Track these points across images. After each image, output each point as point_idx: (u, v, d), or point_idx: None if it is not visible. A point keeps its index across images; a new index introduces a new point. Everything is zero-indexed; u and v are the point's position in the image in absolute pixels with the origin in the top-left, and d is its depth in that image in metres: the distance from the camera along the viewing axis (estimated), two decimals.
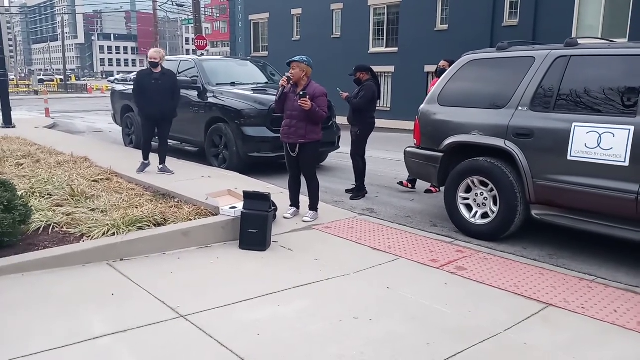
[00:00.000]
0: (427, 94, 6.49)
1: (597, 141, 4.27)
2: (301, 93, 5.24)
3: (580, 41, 4.78)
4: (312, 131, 5.46)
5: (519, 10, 15.28)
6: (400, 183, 7.42)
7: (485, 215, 5.17)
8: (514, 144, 4.79)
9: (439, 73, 7.08)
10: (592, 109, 4.41)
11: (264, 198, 4.73)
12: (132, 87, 10.42)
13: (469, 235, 5.22)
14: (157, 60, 7.12)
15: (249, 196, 4.76)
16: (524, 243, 5.10)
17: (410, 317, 3.39)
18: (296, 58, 5.37)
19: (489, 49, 5.49)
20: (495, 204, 5.04)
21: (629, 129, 4.11)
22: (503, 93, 4.98)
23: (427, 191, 7.21)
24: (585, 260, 4.67)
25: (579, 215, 4.51)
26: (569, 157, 4.42)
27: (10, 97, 14.50)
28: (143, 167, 7.20)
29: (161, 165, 7.33)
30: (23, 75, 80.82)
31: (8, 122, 13.77)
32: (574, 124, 4.40)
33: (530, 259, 4.61)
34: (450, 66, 6.85)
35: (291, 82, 5.39)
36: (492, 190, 5.04)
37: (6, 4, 64.92)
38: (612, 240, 4.50)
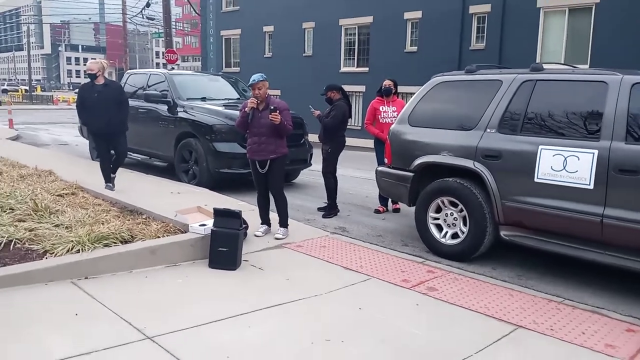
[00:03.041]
0: (366, 114, 6.68)
1: (562, 164, 4.38)
2: (272, 108, 5.26)
3: (546, 66, 4.93)
4: (281, 145, 5.51)
5: (485, 34, 15.72)
6: (377, 212, 7.30)
7: (455, 236, 5.22)
8: (483, 165, 4.88)
9: (384, 92, 7.21)
10: (558, 132, 4.53)
11: (235, 216, 4.66)
12: None
13: (439, 256, 5.26)
14: (94, 72, 6.79)
15: (219, 213, 4.68)
16: (493, 263, 5.16)
17: (382, 339, 3.37)
18: (259, 77, 5.31)
19: (458, 71, 5.61)
20: (465, 224, 5.10)
21: (593, 153, 4.24)
22: (472, 115, 5.08)
23: (395, 210, 7.26)
24: (553, 281, 4.75)
25: (546, 236, 4.60)
26: (535, 179, 4.52)
27: None
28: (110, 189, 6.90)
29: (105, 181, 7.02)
30: None
31: None
32: (540, 146, 4.51)
33: (500, 279, 4.66)
34: (394, 85, 7.04)
35: (259, 102, 5.37)
36: (461, 210, 5.10)
37: None
38: (579, 261, 4.60)
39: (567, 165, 4.36)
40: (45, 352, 2.97)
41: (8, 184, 6.47)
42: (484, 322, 3.71)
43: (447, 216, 5.26)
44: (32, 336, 3.15)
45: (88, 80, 7.01)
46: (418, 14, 17.25)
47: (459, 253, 5.13)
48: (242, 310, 3.70)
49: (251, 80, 5.34)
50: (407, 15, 17.51)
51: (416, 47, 17.42)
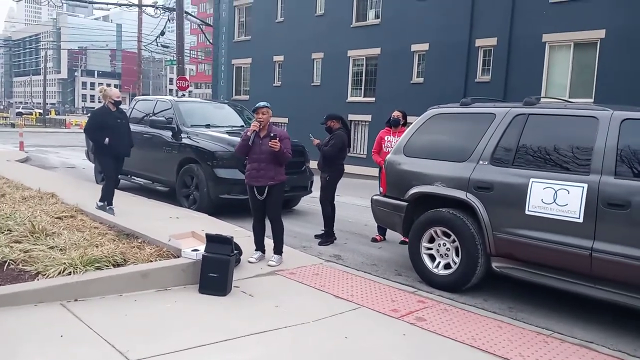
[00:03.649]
0: (374, 144, 6.73)
1: (553, 197, 4.39)
2: (272, 135, 5.36)
3: (542, 100, 4.99)
4: (280, 172, 5.59)
5: (491, 67, 15.89)
6: (374, 239, 7.33)
7: (447, 266, 5.21)
8: (475, 196, 4.90)
9: (392, 123, 7.29)
10: (549, 165, 4.56)
11: (226, 241, 4.70)
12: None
13: (431, 286, 5.24)
14: (120, 99, 7.26)
15: (211, 239, 4.73)
16: (485, 295, 5.14)
17: None
18: (264, 104, 5.51)
19: (453, 103, 5.69)
20: (457, 255, 5.09)
21: (583, 187, 4.25)
22: (465, 147, 5.13)
23: (402, 242, 7.20)
24: (544, 314, 4.71)
25: (537, 269, 4.58)
26: (526, 212, 4.53)
27: None
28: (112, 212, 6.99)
29: (107, 204, 7.11)
30: (1, 107, 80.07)
31: None
32: (531, 179, 4.53)
33: (490, 311, 4.64)
34: (403, 117, 7.11)
35: (261, 127, 5.49)
36: (454, 241, 5.11)
37: None
38: (571, 294, 4.56)
39: (557, 198, 4.37)
40: None
41: (9, 205, 6.58)
42: (469, 353, 3.68)
43: (439, 246, 5.27)
44: (17, 356, 3.18)
45: (102, 105, 7.28)
46: (425, 46, 17.50)
47: (451, 284, 5.11)
48: (227, 336, 3.71)
49: (256, 105, 5.51)
50: (414, 47, 17.77)
51: (422, 79, 17.61)
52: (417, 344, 3.81)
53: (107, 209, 7.02)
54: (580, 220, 4.24)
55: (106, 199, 7.15)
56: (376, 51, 18.90)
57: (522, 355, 3.66)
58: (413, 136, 5.66)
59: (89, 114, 7.49)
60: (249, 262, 5.52)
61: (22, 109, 62.20)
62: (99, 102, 7.94)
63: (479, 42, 16.10)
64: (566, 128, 4.61)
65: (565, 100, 5.49)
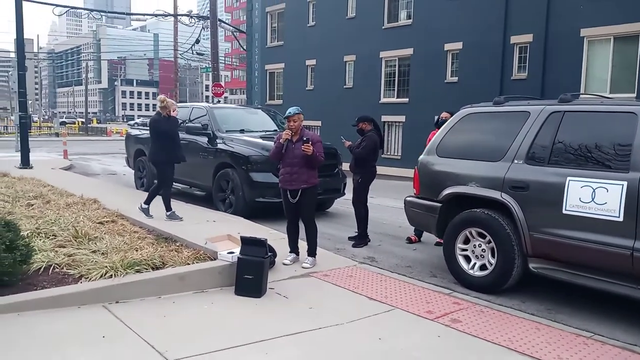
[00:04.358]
0: (425, 145, 6.63)
1: (591, 195, 4.28)
2: (305, 139, 5.42)
3: (583, 97, 4.87)
4: (312, 176, 5.64)
5: (527, 64, 15.56)
6: (408, 239, 7.34)
7: (483, 267, 5.14)
8: (510, 196, 4.82)
9: (440, 124, 7.19)
10: (586, 163, 4.45)
11: (261, 244, 4.77)
12: (146, 132, 10.73)
13: (467, 287, 5.19)
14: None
15: (246, 242, 4.81)
16: (522, 297, 5.04)
17: None
18: (295, 110, 5.54)
19: (486, 103, 5.61)
20: (493, 255, 5.02)
21: (622, 184, 4.13)
22: (499, 146, 5.06)
23: (437, 244, 7.12)
24: (584, 315, 4.59)
25: (576, 269, 4.48)
26: (564, 211, 4.43)
27: (31, 139, 15.01)
28: (173, 217, 7.14)
29: (170, 212, 7.28)
30: (46, 117, 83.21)
31: (26, 163, 14.15)
32: (568, 178, 4.43)
33: (528, 313, 4.55)
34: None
35: (293, 134, 5.55)
36: (489, 242, 5.04)
37: (35, 49, 67.67)
38: (613, 295, 4.44)
39: (595, 196, 4.27)
40: None
41: (54, 211, 6.85)
42: (506, 355, 3.63)
43: (475, 247, 5.21)
44: (63, 356, 3.33)
45: (158, 114, 7.41)
46: (458, 45, 17.28)
47: (487, 285, 5.04)
48: (262, 337, 3.77)
49: (287, 113, 5.55)
50: (448, 46, 17.58)
51: (457, 78, 17.40)
52: (452, 346, 3.78)
53: (171, 214, 7.22)
54: (620, 219, 4.12)
55: (169, 204, 7.34)
56: (409, 52, 18.78)
57: (561, 358, 3.59)
58: (446, 136, 5.62)
59: (148, 123, 7.64)
60: (284, 264, 5.58)
61: (65, 118, 64.52)
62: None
63: (514, 39, 15.80)
64: (604, 125, 4.49)
65: (602, 97, 5.33)
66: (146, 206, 7.26)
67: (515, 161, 4.88)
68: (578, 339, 3.91)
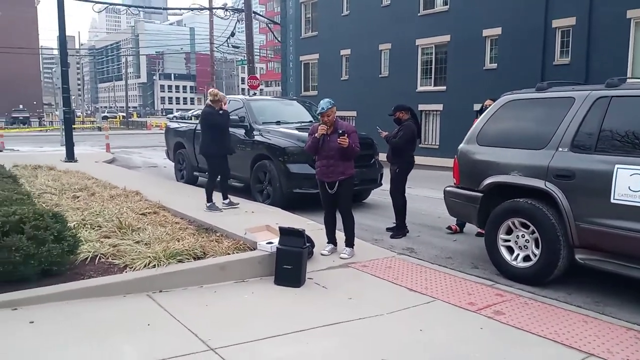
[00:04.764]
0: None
1: None
2: (340, 132, 5.38)
3: (630, 81, 4.67)
4: (349, 167, 5.62)
5: (570, 48, 15.03)
6: (449, 228, 7.24)
7: (527, 258, 5.01)
8: (555, 185, 4.68)
9: (482, 112, 7.03)
10: (635, 150, 4.26)
11: (299, 234, 4.79)
12: (191, 125, 10.94)
13: (510, 279, 5.07)
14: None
15: (284, 232, 4.84)
16: (569, 289, 4.90)
17: None
18: (328, 105, 5.44)
19: (529, 89, 5.44)
20: (537, 246, 4.89)
21: None
22: (542, 134, 4.90)
23: (479, 234, 6.98)
24: (634, 308, 4.41)
25: (625, 260, 4.31)
26: (612, 200, 4.27)
27: (75, 133, 15.47)
28: (213, 208, 7.32)
29: (227, 200, 7.64)
30: (89, 112, 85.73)
31: (71, 157, 14.64)
32: (616, 165, 4.26)
33: (575, 305, 4.42)
34: None
35: (329, 129, 5.50)
36: (533, 232, 4.91)
37: (76, 46, 69.68)
38: None
39: None
40: (119, 358, 3.21)
41: (99, 203, 7.05)
42: (552, 348, 3.54)
43: (518, 238, 5.08)
44: (108, 343, 3.42)
45: (209, 106, 7.56)
46: (497, 31, 16.84)
47: (531, 276, 4.92)
48: (302, 326, 3.78)
49: (320, 109, 5.48)
50: (486, 32, 17.15)
51: (496, 64, 16.97)
52: (495, 338, 3.71)
53: (228, 202, 7.52)
54: None
55: (226, 193, 7.66)
56: (445, 38, 18.43)
57: (611, 352, 3.47)
58: (486, 124, 5.48)
59: (200, 115, 7.81)
60: (322, 254, 5.59)
61: (107, 113, 66.27)
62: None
63: (555, 23, 15.27)
64: None
65: None
66: (227, 200, 7.57)
67: (560, 149, 4.72)
68: (629, 333, 3.77)
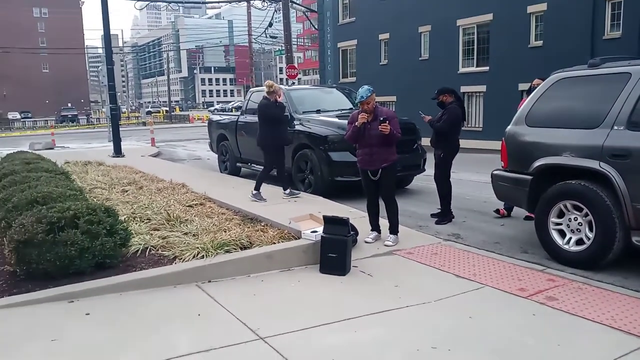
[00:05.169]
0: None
1: None
2: (381, 119, 5.31)
3: None
4: (391, 153, 5.56)
5: (621, 21, 14.31)
6: (497, 211, 7.09)
7: (580, 242, 4.84)
8: (610, 165, 4.47)
9: (532, 92, 6.78)
10: None
11: (343, 223, 4.77)
12: (233, 117, 11.08)
13: (562, 263, 4.91)
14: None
15: (328, 221, 4.83)
16: (624, 272, 4.70)
17: (493, 350, 3.24)
18: (367, 93, 5.37)
19: (580, 66, 5.20)
20: (590, 229, 4.71)
21: None
22: (596, 112, 4.69)
23: (527, 218, 6.80)
24: None
25: None
26: None
27: (121, 129, 15.90)
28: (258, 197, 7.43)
29: (288, 190, 7.77)
30: (133, 107, 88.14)
31: (118, 152, 15.08)
32: None
33: (632, 289, 4.23)
34: None
35: (369, 117, 5.43)
36: (586, 215, 4.72)
37: (120, 44, 71.58)
38: None
39: None
40: (173, 348, 3.29)
41: (147, 196, 7.23)
42: (609, 335, 3.41)
43: (570, 221, 4.90)
44: (162, 333, 3.52)
45: (266, 99, 7.62)
46: (543, 7, 16.22)
47: (584, 260, 4.74)
48: (349, 315, 3.78)
49: (359, 97, 5.42)
50: (531, 9, 16.54)
51: (542, 42, 16.36)
52: (549, 325, 3.60)
53: (290, 192, 7.70)
54: None
55: (286, 184, 7.79)
56: (488, 17, 17.89)
57: None
58: (535, 104, 5.29)
59: (258, 107, 7.98)
60: (366, 242, 5.56)
61: (150, 108, 67.97)
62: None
63: None
64: None
65: None
66: (288, 191, 7.69)
67: (615, 127, 4.50)
68: None
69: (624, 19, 14.23)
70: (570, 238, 4.91)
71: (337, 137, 8.11)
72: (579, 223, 4.82)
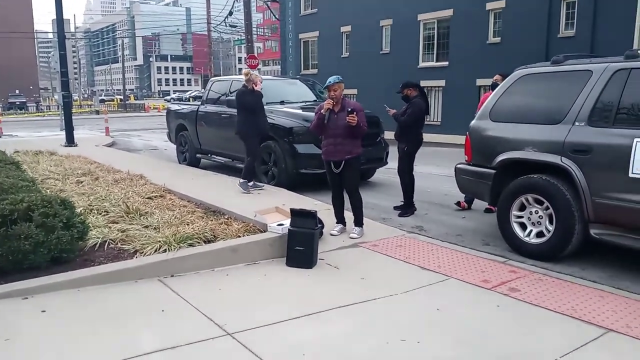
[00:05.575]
0: (477, 109, 6.39)
1: None
2: (349, 110, 5.27)
3: None
4: (356, 145, 5.53)
5: (575, 20, 14.78)
6: (457, 203, 7.21)
7: (540, 234, 4.96)
8: (571, 160, 4.60)
9: (493, 87, 6.91)
10: None
11: (311, 216, 4.73)
12: (193, 107, 10.84)
13: (522, 255, 5.03)
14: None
15: (295, 214, 4.77)
16: (582, 264, 4.86)
17: (460, 341, 3.28)
18: (335, 79, 5.38)
19: (543, 62, 5.31)
20: (551, 222, 4.83)
21: None
22: (558, 108, 4.80)
23: (487, 210, 6.94)
24: None
25: None
26: (630, 174, 4.19)
27: (73, 117, 15.29)
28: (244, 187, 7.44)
29: (252, 182, 7.67)
30: (86, 95, 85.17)
31: (71, 141, 14.51)
32: (635, 139, 4.17)
33: (590, 280, 4.38)
34: (504, 80, 6.71)
35: (335, 104, 5.41)
36: (547, 208, 4.85)
37: (72, 29, 68.89)
38: None
39: None
40: (136, 346, 3.16)
41: (104, 188, 6.97)
42: (570, 325, 3.50)
43: (531, 214, 5.02)
44: (124, 331, 3.38)
45: (244, 87, 7.63)
46: (501, 4, 16.55)
47: (544, 252, 4.87)
48: (318, 308, 3.74)
49: (327, 82, 5.40)
50: (490, 5, 16.87)
51: (499, 38, 16.72)
52: (513, 316, 3.67)
53: (253, 184, 7.59)
54: None
55: (249, 177, 7.63)
56: (448, 13, 18.13)
57: (629, 327, 3.44)
58: (499, 100, 5.37)
59: (236, 95, 7.89)
60: (331, 234, 5.53)
61: (104, 96, 65.84)
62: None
63: None
64: None
65: None
66: (243, 181, 7.54)
67: (577, 123, 4.62)
68: None
69: (577, 18, 14.71)
70: (531, 231, 5.03)
71: (302, 129, 8.05)
72: (539, 216, 4.95)
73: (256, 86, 7.49)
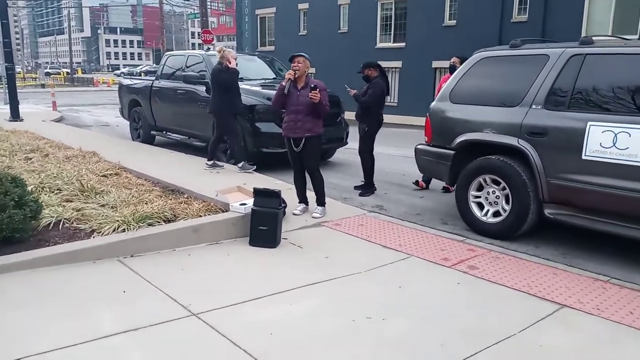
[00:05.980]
0: (435, 90, 6.48)
1: (612, 140, 4.21)
2: (312, 86, 5.24)
3: (595, 39, 4.72)
4: (317, 125, 5.50)
5: (528, 6, 15.15)
6: (416, 182, 7.34)
7: (497, 214, 5.13)
8: (528, 142, 4.74)
9: (451, 70, 7.01)
10: (608, 108, 4.35)
11: (275, 195, 4.70)
12: (147, 82, 10.49)
13: (480, 234, 5.19)
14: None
15: (259, 193, 4.73)
16: (536, 242, 5.06)
17: (423, 317, 3.36)
18: (301, 53, 5.40)
19: (502, 46, 5.43)
20: (507, 202, 5.00)
21: None
22: (516, 91, 4.93)
23: (445, 189, 7.10)
24: (600, 260, 4.62)
25: (594, 215, 4.46)
26: (583, 157, 4.37)
27: (17, 90, 14.51)
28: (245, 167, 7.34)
29: (241, 163, 7.45)
30: (30, 68, 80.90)
31: (16, 116, 13.80)
32: (589, 123, 4.34)
33: (543, 258, 4.57)
34: (461, 63, 6.81)
35: (297, 75, 5.36)
36: (504, 188, 5.00)
37: None
38: (628, 240, 4.45)
39: (617, 141, 4.19)
40: (96, 328, 3.07)
41: (55, 165, 6.69)
42: (527, 301, 3.65)
43: (489, 194, 5.17)
44: (83, 313, 3.27)
45: (219, 64, 7.39)
46: None
47: (500, 231, 5.04)
48: (283, 287, 3.74)
49: (292, 53, 5.38)
50: None
51: (455, 21, 16.96)
52: (472, 292, 3.79)
53: (243, 165, 7.39)
54: None
55: (241, 158, 7.46)
56: None
57: (582, 302, 3.61)
58: (459, 82, 5.46)
59: (211, 73, 7.65)
60: (294, 214, 5.53)
61: (49, 69, 62.75)
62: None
63: None
64: (627, 68, 4.35)
65: (623, 38, 5.17)
66: (241, 164, 7.38)
67: (534, 106, 4.76)
68: (596, 284, 3.93)
69: (530, 3, 15.08)
70: (488, 210, 5.19)
71: (263, 108, 7.94)
72: (496, 196, 5.10)
73: (230, 63, 7.27)
